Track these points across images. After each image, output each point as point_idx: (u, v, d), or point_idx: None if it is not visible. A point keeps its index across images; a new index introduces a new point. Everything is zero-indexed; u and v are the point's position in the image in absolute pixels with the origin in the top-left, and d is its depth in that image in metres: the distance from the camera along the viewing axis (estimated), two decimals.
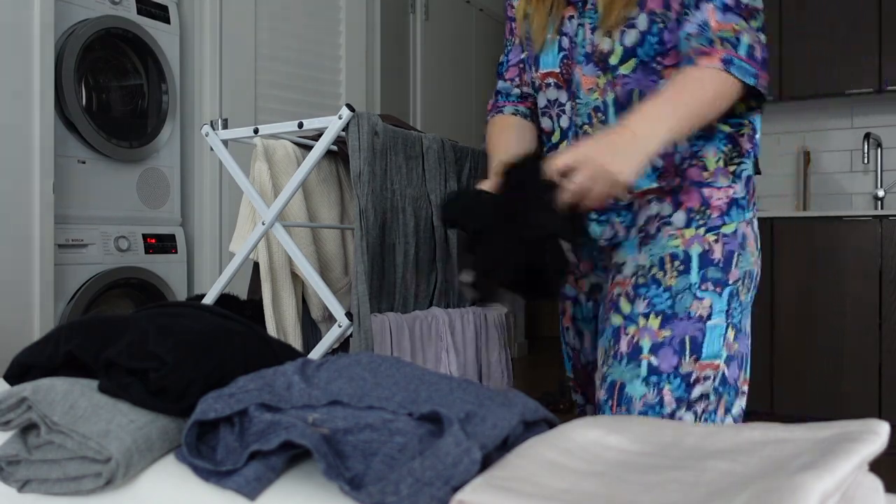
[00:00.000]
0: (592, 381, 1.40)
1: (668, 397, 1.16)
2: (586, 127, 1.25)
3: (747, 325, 1.24)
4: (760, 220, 3.53)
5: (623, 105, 1.21)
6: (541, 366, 4.95)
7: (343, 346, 1.65)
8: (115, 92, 2.70)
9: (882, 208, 3.79)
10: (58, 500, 0.82)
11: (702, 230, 1.21)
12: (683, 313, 1.18)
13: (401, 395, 0.77)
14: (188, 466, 0.78)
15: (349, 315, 1.51)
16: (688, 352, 1.17)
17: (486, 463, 0.68)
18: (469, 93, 4.64)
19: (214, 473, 0.75)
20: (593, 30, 1.22)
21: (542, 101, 1.33)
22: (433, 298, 1.71)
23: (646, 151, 1.06)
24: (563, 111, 1.29)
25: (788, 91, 3.80)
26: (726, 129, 1.23)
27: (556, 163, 1.05)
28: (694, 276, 1.19)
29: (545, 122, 1.34)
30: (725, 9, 1.13)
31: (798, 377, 3.43)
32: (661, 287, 1.20)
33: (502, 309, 1.96)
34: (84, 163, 2.53)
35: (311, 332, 1.78)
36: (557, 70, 1.28)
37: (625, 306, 1.22)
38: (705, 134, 1.22)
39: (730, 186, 1.23)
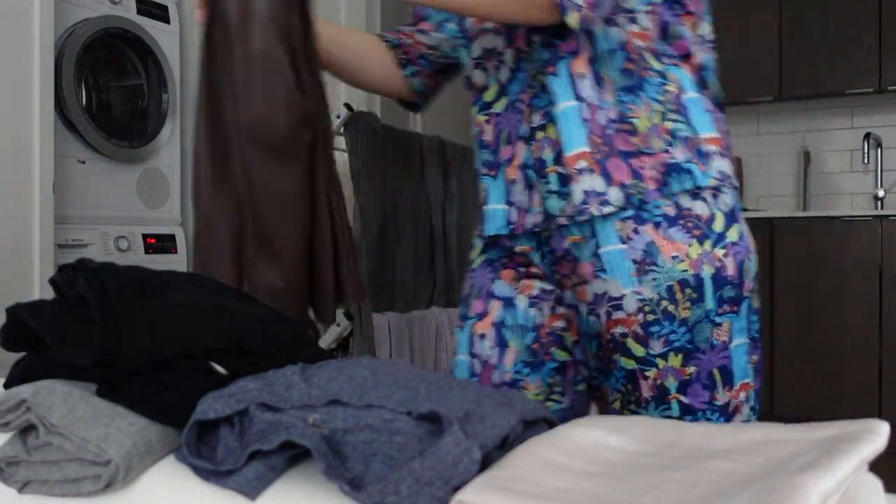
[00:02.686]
0: None
1: None
2: (541, 76, 1.09)
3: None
4: (760, 220, 3.53)
5: (557, 35, 1.06)
6: None
7: (342, 344, 1.65)
8: (115, 92, 2.70)
9: (882, 208, 3.79)
10: (58, 500, 0.82)
11: (706, 243, 1.03)
12: (706, 344, 1.04)
13: (400, 394, 0.77)
14: (188, 466, 0.78)
15: (347, 315, 1.51)
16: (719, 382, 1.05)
17: (486, 462, 0.68)
18: (469, 93, 4.63)
19: (214, 473, 0.75)
20: None
21: (475, 51, 1.18)
22: (432, 298, 1.71)
23: None
24: (502, 61, 1.14)
25: (788, 91, 3.80)
26: (654, 76, 1.05)
27: None
28: (710, 303, 1.03)
29: (477, 76, 1.20)
30: None
31: (798, 377, 3.43)
32: (675, 321, 1.03)
33: None
34: (84, 163, 2.53)
35: None
36: None
37: (636, 349, 1.05)
38: (634, 82, 1.04)
39: (665, 151, 1.03)
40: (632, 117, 1.03)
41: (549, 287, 1.14)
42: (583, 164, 1.02)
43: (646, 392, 1.06)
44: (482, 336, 1.16)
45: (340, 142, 1.70)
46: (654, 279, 1.02)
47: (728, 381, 1.05)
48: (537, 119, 1.07)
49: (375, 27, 3.71)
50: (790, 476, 0.55)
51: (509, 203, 1.11)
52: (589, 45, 1.04)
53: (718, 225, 1.04)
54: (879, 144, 3.86)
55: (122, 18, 2.61)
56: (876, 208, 3.87)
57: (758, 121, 4.17)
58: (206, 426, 0.80)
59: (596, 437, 0.73)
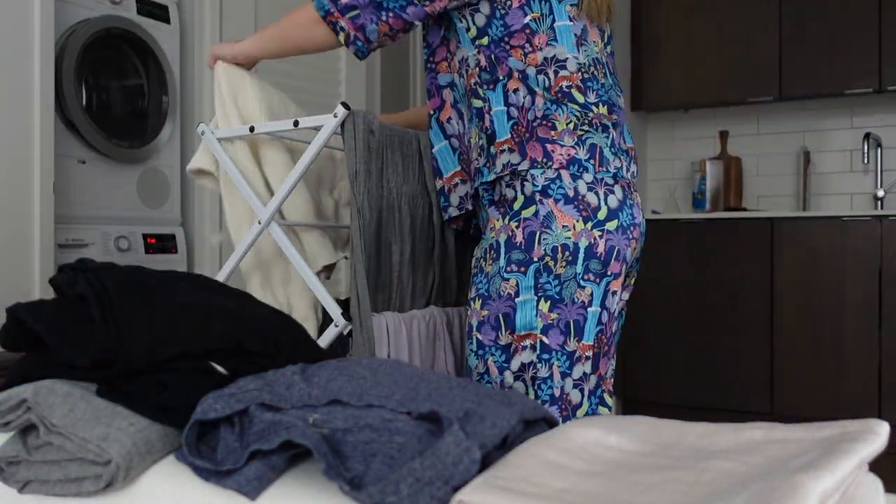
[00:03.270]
0: None
1: (493, 367, 1.35)
2: None
3: (579, 294, 1.34)
4: (760, 220, 3.53)
5: (429, 92, 1.56)
6: None
7: (339, 343, 1.65)
8: (115, 92, 2.70)
9: (882, 208, 3.79)
10: (58, 500, 0.82)
11: (506, 220, 1.37)
12: (496, 294, 1.35)
13: (400, 393, 0.77)
14: (188, 466, 0.78)
15: (347, 315, 1.51)
16: (503, 327, 1.34)
17: (486, 462, 0.68)
18: None
19: (215, 473, 0.75)
20: None
21: None
22: (431, 297, 1.71)
23: (234, 50, 1.65)
24: None
25: (788, 91, 3.80)
26: (478, 104, 1.43)
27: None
28: (502, 261, 1.35)
29: None
30: None
31: (798, 377, 3.43)
32: (482, 273, 1.39)
33: None
34: (84, 163, 2.53)
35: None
36: None
37: (469, 292, 1.43)
38: (470, 115, 1.45)
39: (573, 147, 1.35)
40: (469, 139, 1.47)
41: None
42: (457, 179, 1.51)
43: (466, 327, 1.41)
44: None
45: (338, 141, 1.70)
46: (481, 243, 1.42)
47: (509, 326, 1.33)
48: None
49: None
50: (790, 476, 0.55)
51: None
52: (450, 97, 1.48)
53: (517, 204, 1.36)
54: (879, 144, 3.86)
55: (122, 18, 2.61)
56: (875, 208, 3.87)
57: (757, 121, 4.18)
58: (207, 426, 0.80)
59: (596, 436, 0.73)
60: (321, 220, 1.79)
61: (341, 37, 1.45)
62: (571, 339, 1.34)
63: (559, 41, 1.40)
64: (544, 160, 1.35)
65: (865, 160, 3.84)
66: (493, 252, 1.37)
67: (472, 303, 1.40)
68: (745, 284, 3.51)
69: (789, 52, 3.78)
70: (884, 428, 0.64)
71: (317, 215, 1.79)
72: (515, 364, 1.33)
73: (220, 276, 1.67)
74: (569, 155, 1.35)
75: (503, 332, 1.34)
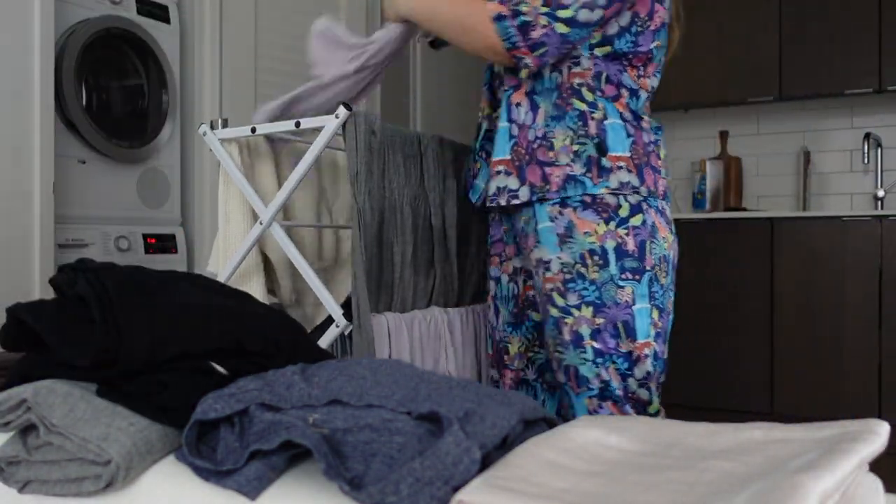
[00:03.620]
0: (502, 358, 1.55)
1: (615, 375, 1.34)
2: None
3: (669, 304, 1.41)
4: (760, 220, 3.53)
5: (510, 70, 1.45)
6: None
7: (340, 343, 1.65)
8: (115, 92, 2.70)
9: (882, 208, 3.79)
10: (58, 500, 0.82)
11: (611, 224, 1.35)
12: (611, 301, 1.33)
13: (400, 394, 0.77)
14: (188, 466, 0.78)
15: (347, 315, 1.51)
16: (623, 334, 1.34)
17: (486, 462, 0.68)
18: (469, 93, 4.63)
19: (215, 473, 0.75)
20: None
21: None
22: (432, 297, 1.71)
23: (395, 6, 1.51)
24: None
25: (788, 91, 3.80)
26: (581, 106, 1.38)
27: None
28: (613, 268, 1.34)
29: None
30: None
31: (798, 377, 3.43)
32: (586, 280, 1.35)
33: None
34: (84, 163, 2.53)
35: None
36: None
37: (558, 300, 1.37)
38: (560, 113, 1.38)
39: (568, 165, 1.36)
40: (551, 138, 1.37)
41: (517, 264, 1.52)
42: (501, 168, 1.41)
43: (566, 336, 1.36)
44: (489, 306, 1.58)
45: (339, 142, 1.70)
46: (570, 248, 1.36)
47: (630, 333, 1.34)
48: (493, 125, 1.48)
49: (375, 26, 3.71)
50: (790, 476, 0.55)
51: None
52: (528, 83, 1.41)
53: (623, 212, 1.35)
54: (879, 144, 3.86)
55: (122, 18, 2.61)
56: (876, 208, 3.86)
57: (757, 121, 4.17)
58: (207, 426, 0.80)
59: (596, 436, 0.73)
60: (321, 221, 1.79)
61: (523, 73, 1.41)
62: (665, 346, 1.40)
63: (658, 75, 1.46)
64: (654, 189, 1.39)
65: (865, 160, 3.84)
66: (597, 258, 1.34)
67: (573, 310, 1.35)
68: (745, 284, 3.51)
69: (789, 52, 3.78)
70: (884, 428, 0.64)
71: (316, 217, 1.79)
72: (640, 372, 1.35)
73: (222, 277, 1.67)
74: (665, 184, 1.43)
75: (623, 339, 1.33)
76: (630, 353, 1.34)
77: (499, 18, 1.31)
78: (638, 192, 1.36)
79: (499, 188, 1.41)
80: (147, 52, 2.71)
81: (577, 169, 1.36)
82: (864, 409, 3.28)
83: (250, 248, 1.64)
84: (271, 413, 0.78)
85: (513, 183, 1.39)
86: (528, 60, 1.33)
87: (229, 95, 2.96)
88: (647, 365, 1.35)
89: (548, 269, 1.38)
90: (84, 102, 2.54)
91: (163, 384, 0.85)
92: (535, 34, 1.31)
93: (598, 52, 1.38)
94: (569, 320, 1.35)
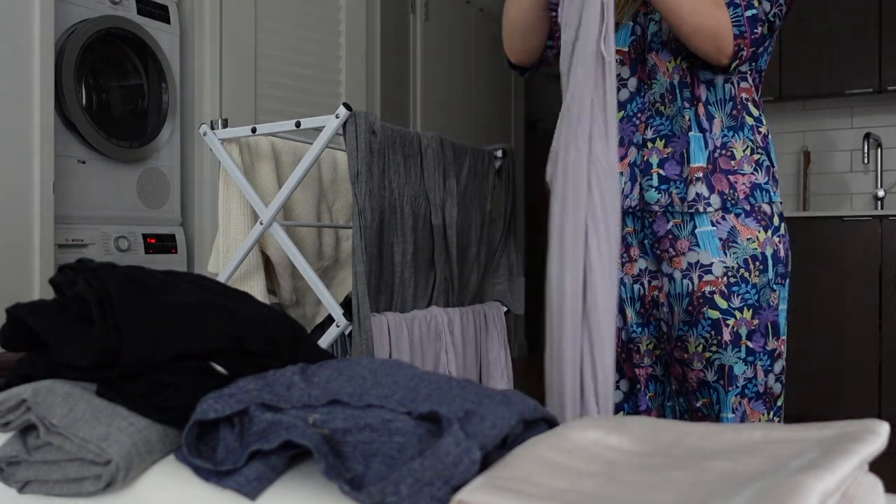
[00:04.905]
0: (630, 356, 1.56)
1: (761, 371, 1.45)
2: (658, 105, 1.47)
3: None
4: None
5: (685, 84, 1.45)
6: (541, 366, 4.94)
7: (340, 343, 1.65)
8: (115, 92, 2.70)
9: (882, 208, 3.79)
10: (58, 500, 0.82)
11: (769, 232, 1.45)
12: (766, 304, 1.44)
13: (400, 393, 0.77)
14: (188, 466, 0.78)
15: (347, 315, 1.51)
16: (770, 334, 1.46)
17: (486, 462, 0.68)
18: (469, 93, 4.63)
19: (215, 473, 0.75)
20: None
21: None
22: (432, 297, 1.71)
23: None
24: (625, 85, 1.50)
25: (788, 91, 3.80)
26: (750, 121, 1.47)
27: None
28: (770, 273, 1.44)
29: None
30: None
31: (798, 377, 3.43)
32: (748, 284, 1.43)
33: (502, 308, 1.96)
34: (84, 163, 2.53)
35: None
36: (626, 49, 1.50)
37: (721, 302, 1.43)
38: (736, 124, 1.45)
39: (752, 174, 1.44)
40: (731, 147, 1.44)
41: (643, 266, 1.53)
42: (699, 174, 1.43)
43: (726, 336, 1.43)
44: None
45: (340, 142, 1.70)
46: (734, 252, 1.43)
47: (776, 333, 1.46)
48: (650, 133, 1.47)
49: (375, 27, 3.71)
50: (790, 476, 0.55)
51: None
52: (704, 94, 1.44)
53: (776, 220, 1.46)
54: (879, 144, 3.86)
55: (122, 18, 2.61)
56: (876, 208, 3.87)
57: None
58: (206, 426, 0.80)
59: (596, 436, 0.73)
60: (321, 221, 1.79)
61: (730, 60, 1.37)
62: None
63: None
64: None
65: (865, 160, 3.84)
66: (759, 263, 1.44)
67: (736, 312, 1.43)
68: None
69: (789, 52, 3.78)
70: (884, 428, 0.64)
71: (317, 218, 1.79)
72: (778, 367, 1.47)
73: (222, 277, 1.67)
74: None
75: (770, 338, 1.45)
76: (773, 350, 1.46)
77: (732, 5, 1.33)
78: (778, 202, 1.48)
79: (697, 194, 1.44)
80: (147, 52, 2.71)
81: (761, 178, 1.44)
82: (864, 409, 3.28)
83: (250, 248, 1.64)
84: (271, 413, 0.78)
85: (703, 190, 1.43)
86: (745, 53, 1.36)
87: (229, 95, 2.96)
88: (782, 360, 1.48)
89: (709, 272, 1.44)
90: (84, 102, 2.54)
91: (163, 384, 0.85)
92: (758, 31, 1.36)
93: (754, 65, 1.48)
94: (731, 321, 1.43)
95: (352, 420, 0.75)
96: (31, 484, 0.83)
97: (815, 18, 3.73)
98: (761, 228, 1.44)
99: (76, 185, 2.50)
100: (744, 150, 1.44)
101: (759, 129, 1.47)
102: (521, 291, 2.00)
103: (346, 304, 1.55)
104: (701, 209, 1.43)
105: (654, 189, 1.46)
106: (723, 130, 1.44)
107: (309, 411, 0.78)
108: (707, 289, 1.44)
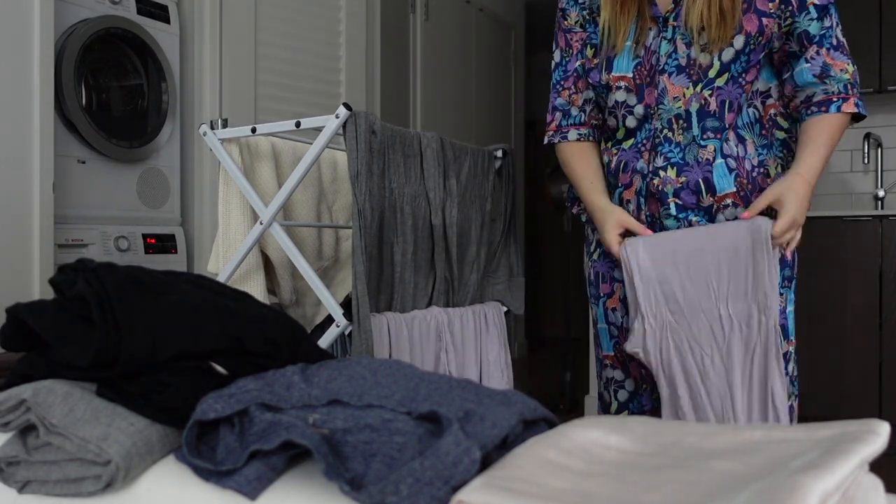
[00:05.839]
0: (635, 357, 1.55)
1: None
2: (666, 131, 1.44)
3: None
4: None
5: (707, 114, 1.42)
6: (541, 366, 4.95)
7: (340, 343, 1.65)
8: (115, 92, 2.70)
9: (882, 208, 3.79)
10: (58, 500, 0.82)
11: None
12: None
13: (400, 394, 0.77)
14: (188, 466, 0.78)
15: (347, 315, 1.50)
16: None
17: (486, 462, 0.68)
18: (469, 93, 4.63)
19: (215, 473, 0.75)
20: (688, 45, 1.42)
21: (610, 101, 1.51)
22: (432, 297, 1.71)
23: (810, 196, 1.37)
24: (631, 112, 1.48)
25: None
26: (781, 135, 1.47)
27: (780, 230, 1.33)
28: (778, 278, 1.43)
29: (611, 121, 1.53)
30: (835, 48, 1.39)
31: (798, 377, 3.43)
32: None
33: (502, 308, 1.96)
34: (84, 163, 2.53)
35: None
36: (630, 75, 1.46)
37: None
38: (767, 142, 1.45)
39: None
40: (766, 165, 1.44)
41: None
42: (728, 200, 1.43)
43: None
44: (613, 309, 1.59)
45: (340, 142, 1.70)
46: None
47: (786, 335, 1.46)
48: (660, 161, 1.44)
49: (375, 27, 3.71)
50: (790, 476, 0.55)
51: None
52: (731, 119, 1.43)
53: None
54: (879, 144, 3.86)
55: (122, 18, 2.61)
56: (876, 208, 3.87)
57: None
58: (206, 426, 0.80)
59: (596, 437, 0.73)
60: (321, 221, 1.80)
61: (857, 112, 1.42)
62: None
63: None
64: None
65: (865, 160, 3.84)
66: None
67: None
68: None
69: None
70: (884, 428, 0.64)
71: (317, 218, 1.79)
72: (790, 368, 1.48)
73: (222, 277, 1.67)
74: None
75: (782, 343, 1.42)
76: (786, 353, 1.45)
77: (858, 106, 1.39)
78: None
79: (727, 220, 1.44)
80: (147, 52, 2.71)
81: None
82: (864, 409, 3.28)
83: (250, 248, 1.64)
84: (271, 413, 0.78)
85: (740, 211, 1.43)
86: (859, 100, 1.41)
87: (229, 95, 2.96)
88: (793, 362, 1.49)
89: None
90: (84, 102, 2.54)
91: (163, 384, 0.85)
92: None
93: (784, 76, 1.46)
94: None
95: (352, 420, 0.75)
96: (31, 484, 0.83)
97: None
98: None
99: (76, 185, 2.50)
100: (776, 168, 1.45)
101: (792, 140, 1.47)
102: (521, 291, 1.99)
103: (346, 304, 1.55)
104: None
105: (672, 217, 1.45)
106: (757, 150, 1.43)
107: (309, 411, 0.78)
108: None
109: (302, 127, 1.58)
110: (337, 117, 1.49)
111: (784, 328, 1.46)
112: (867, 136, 3.79)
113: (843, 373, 3.35)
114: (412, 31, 4.12)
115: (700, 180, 1.42)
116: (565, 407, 3.60)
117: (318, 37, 3.36)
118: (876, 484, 0.63)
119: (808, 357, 3.41)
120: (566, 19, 1.57)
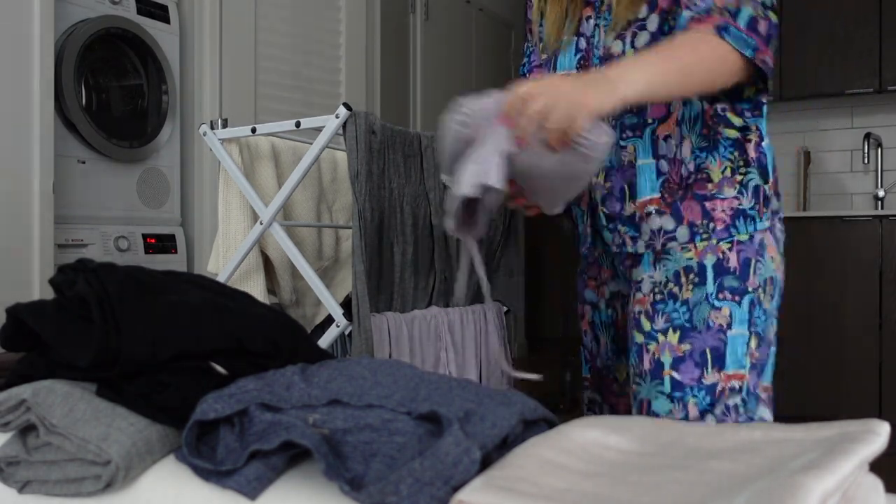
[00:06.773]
0: (607, 383, 1.39)
1: (694, 410, 1.15)
2: None
3: (771, 332, 1.23)
4: None
5: (624, 110, 1.15)
6: (541, 366, 4.94)
7: (340, 343, 1.65)
8: (115, 92, 2.70)
9: (882, 208, 3.79)
10: (58, 500, 0.82)
11: (714, 240, 1.18)
12: (702, 325, 1.16)
13: (400, 394, 0.77)
14: (188, 466, 0.78)
15: (347, 315, 1.51)
16: (710, 363, 1.15)
17: (486, 462, 0.68)
18: (469, 92, 4.63)
19: (215, 473, 0.75)
20: (606, 32, 1.20)
21: None
22: (432, 297, 1.71)
23: (617, 91, 0.98)
24: None
25: (788, 91, 3.80)
26: (733, 134, 1.20)
27: (519, 89, 0.99)
28: (710, 286, 1.17)
29: None
30: None
31: (798, 377, 3.43)
32: (677, 301, 1.18)
33: (502, 308, 1.96)
34: (84, 163, 2.53)
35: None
36: (574, 71, 1.24)
37: (645, 324, 1.20)
38: (709, 144, 1.20)
39: (735, 198, 1.20)
40: (706, 169, 1.20)
41: (614, 288, 1.34)
42: (651, 208, 1.21)
43: (646, 365, 1.19)
44: (585, 332, 1.42)
45: (340, 142, 1.70)
46: (665, 265, 1.20)
47: (718, 363, 1.15)
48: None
49: (375, 27, 3.71)
50: (790, 476, 0.55)
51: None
52: (679, 111, 1.19)
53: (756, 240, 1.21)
54: (879, 144, 3.87)
55: (122, 18, 2.61)
56: (876, 208, 3.87)
57: None
58: (206, 426, 0.80)
59: (596, 437, 0.73)
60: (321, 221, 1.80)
61: (765, 81, 1.15)
62: (761, 380, 1.20)
63: None
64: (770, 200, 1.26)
65: (865, 160, 3.84)
66: (692, 276, 1.19)
67: (658, 335, 1.19)
68: None
69: (789, 52, 3.78)
70: (884, 428, 0.64)
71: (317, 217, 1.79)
72: (720, 409, 1.16)
73: (222, 277, 1.68)
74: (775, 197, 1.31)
75: (709, 369, 1.16)
76: (714, 385, 1.15)
77: (722, 29, 1.06)
78: (764, 228, 1.24)
79: (653, 231, 1.21)
80: (147, 52, 2.71)
81: (746, 202, 1.20)
82: (864, 409, 3.28)
83: (250, 248, 1.64)
84: (271, 413, 0.78)
85: (668, 223, 1.21)
86: (769, 59, 1.09)
87: (229, 95, 2.96)
88: (732, 400, 1.16)
89: (639, 289, 1.23)
90: (84, 102, 2.54)
91: (163, 384, 0.85)
92: (762, 28, 1.08)
93: None
94: (651, 346, 1.19)
95: (352, 420, 0.75)
96: (31, 484, 0.83)
97: (815, 18, 3.73)
98: (697, 236, 1.21)
99: (76, 186, 2.50)
100: (722, 172, 1.20)
101: (747, 140, 1.21)
102: (521, 291, 1.99)
103: (346, 304, 1.55)
104: (659, 247, 1.21)
105: (606, 230, 1.26)
106: (693, 151, 1.19)
107: (309, 411, 0.78)
108: (636, 308, 1.22)
109: (302, 127, 1.58)
110: (337, 117, 1.49)
111: (716, 352, 1.15)
112: (867, 136, 3.79)
113: (843, 373, 3.35)
114: (412, 31, 4.12)
115: (625, 185, 1.22)
116: (565, 407, 3.60)
117: (318, 37, 3.36)
118: (876, 484, 0.63)
119: (809, 357, 3.41)
120: (530, 9, 1.37)
